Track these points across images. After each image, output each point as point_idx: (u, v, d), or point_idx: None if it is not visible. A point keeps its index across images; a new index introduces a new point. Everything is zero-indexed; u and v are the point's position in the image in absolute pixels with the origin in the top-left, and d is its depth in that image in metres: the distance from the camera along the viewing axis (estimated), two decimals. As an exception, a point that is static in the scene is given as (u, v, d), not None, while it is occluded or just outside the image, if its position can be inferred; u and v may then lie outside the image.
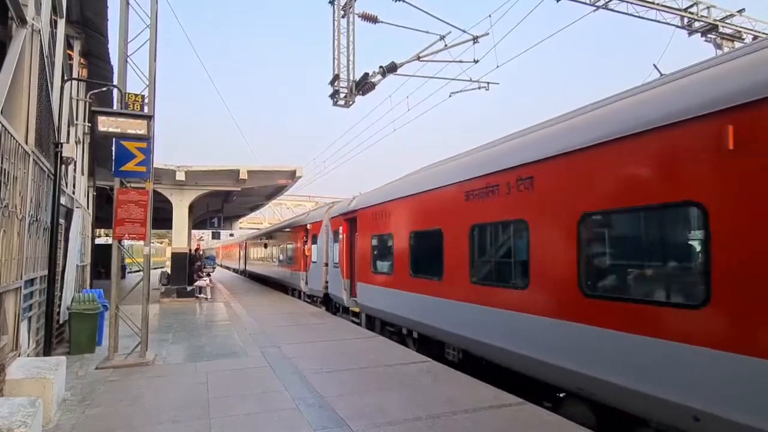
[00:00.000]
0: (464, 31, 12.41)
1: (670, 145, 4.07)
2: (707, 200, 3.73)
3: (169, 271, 18.10)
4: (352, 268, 12.10)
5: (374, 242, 10.59)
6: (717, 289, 3.62)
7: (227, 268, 48.88)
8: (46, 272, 6.83)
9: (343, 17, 12.88)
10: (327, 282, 14.43)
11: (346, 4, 12.83)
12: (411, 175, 9.92)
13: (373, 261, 10.65)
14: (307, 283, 16.81)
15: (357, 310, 11.83)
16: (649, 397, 4.05)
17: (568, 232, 5.03)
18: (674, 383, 3.87)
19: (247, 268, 33.71)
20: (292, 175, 17.78)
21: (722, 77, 3.84)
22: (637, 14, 14.44)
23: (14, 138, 4.60)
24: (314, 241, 15.89)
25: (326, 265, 14.40)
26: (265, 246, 25.98)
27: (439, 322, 7.69)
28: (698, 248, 3.91)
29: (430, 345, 8.18)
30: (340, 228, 12.88)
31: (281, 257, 21.82)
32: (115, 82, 7.94)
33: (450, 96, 14.31)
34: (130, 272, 30.47)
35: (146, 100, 7.66)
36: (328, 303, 14.61)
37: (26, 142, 5.21)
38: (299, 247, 17.85)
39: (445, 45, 12.60)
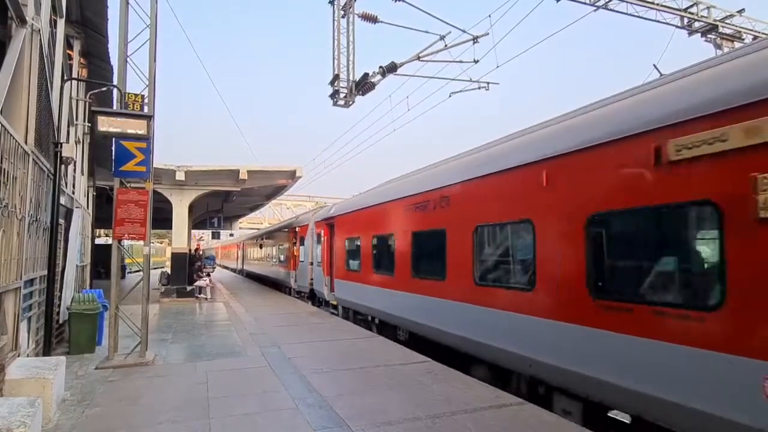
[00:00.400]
0: (464, 31, 12.41)
1: (516, 182, 6.01)
2: (534, 218, 5.56)
3: (169, 271, 18.10)
4: (331, 266, 13.54)
5: (347, 244, 12.29)
6: (539, 278, 5.45)
7: (226, 267, 48.97)
8: (45, 272, 6.82)
9: (343, 17, 12.88)
10: (312, 279, 15.84)
11: (346, 4, 12.83)
12: (375, 188, 11.74)
13: (347, 260, 12.26)
14: (296, 281, 18.30)
15: (335, 303, 13.32)
16: (511, 353, 5.86)
17: (468, 239, 6.86)
18: (521, 342, 5.66)
19: (244, 267, 34.99)
20: (292, 175, 17.78)
21: (542, 140, 5.78)
22: (637, 14, 14.44)
23: (14, 138, 4.60)
24: (302, 243, 17.33)
25: (312, 264, 15.86)
26: (261, 247, 27.38)
27: (392, 310, 9.48)
28: (531, 250, 5.60)
29: (387, 328, 10.00)
30: (322, 231, 14.50)
31: (274, 257, 23.26)
32: (115, 82, 7.94)
33: (450, 96, 14.31)
34: (130, 272, 30.45)
35: (146, 100, 7.66)
36: (314, 298, 16.02)
37: (26, 142, 5.21)
38: (289, 248, 19.38)
39: (445, 45, 12.59)
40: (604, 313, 4.53)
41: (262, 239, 26.99)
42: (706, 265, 3.98)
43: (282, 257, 21.11)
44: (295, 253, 18.29)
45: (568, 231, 5.05)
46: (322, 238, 14.46)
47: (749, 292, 3.41)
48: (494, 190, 6.43)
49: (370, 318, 10.94)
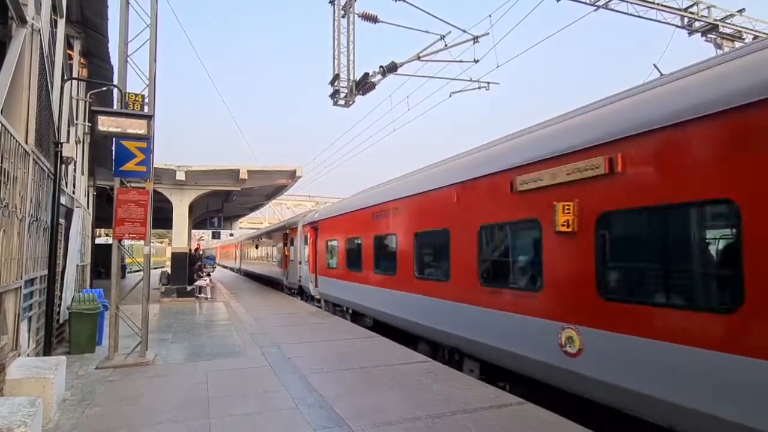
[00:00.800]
0: (464, 31, 12.40)
1: (436, 199, 7.95)
2: (450, 227, 7.44)
3: (169, 270, 18.10)
4: (315, 264, 15.42)
5: (328, 245, 14.21)
6: (452, 272, 7.30)
7: (224, 267, 49.54)
8: (46, 272, 6.82)
9: (343, 17, 12.87)
10: (300, 276, 17.53)
11: (346, 3, 12.82)
12: (349, 197, 14.01)
13: (328, 259, 14.16)
14: (287, 278, 19.98)
15: (319, 297, 15.23)
16: (438, 330, 7.68)
17: (411, 242, 8.69)
18: (443, 321, 7.49)
19: (242, 267, 36.94)
20: (292, 175, 17.78)
21: (454, 170, 7.65)
22: (637, 14, 14.43)
23: (14, 138, 4.60)
24: (292, 243, 19.02)
25: (300, 263, 17.51)
26: (257, 247, 29.25)
27: (361, 300, 11.41)
28: (448, 251, 7.41)
29: (358, 318, 11.86)
30: (308, 233, 16.24)
31: (269, 257, 25.26)
32: (115, 82, 7.94)
33: (450, 96, 14.31)
34: (130, 272, 30.46)
35: (146, 100, 7.66)
36: (302, 293, 17.74)
37: (26, 142, 5.21)
38: (282, 248, 21.06)
39: (445, 45, 12.59)
40: (488, 296, 6.40)
41: (259, 240, 28.74)
42: (536, 262, 5.69)
43: (275, 257, 22.90)
44: (287, 253, 19.92)
45: (469, 237, 6.85)
46: (308, 240, 16.22)
47: (554, 280, 5.32)
48: (427, 204, 8.35)
49: (345, 309, 12.86)
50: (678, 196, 4.06)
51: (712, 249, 4.06)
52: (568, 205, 5.06)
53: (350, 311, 12.43)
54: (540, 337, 5.37)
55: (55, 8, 7.68)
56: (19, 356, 5.07)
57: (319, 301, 15.30)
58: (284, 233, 20.54)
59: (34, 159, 5.55)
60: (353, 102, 13.32)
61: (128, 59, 7.51)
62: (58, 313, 7.94)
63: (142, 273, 7.87)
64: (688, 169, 4.00)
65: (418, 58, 12.83)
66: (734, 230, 3.70)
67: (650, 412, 4.17)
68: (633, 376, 4.27)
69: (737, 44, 15.15)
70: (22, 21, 5.33)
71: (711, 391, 3.66)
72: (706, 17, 14.97)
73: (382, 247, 10.21)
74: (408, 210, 9.03)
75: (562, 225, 5.08)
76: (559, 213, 5.10)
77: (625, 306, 4.43)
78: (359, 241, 11.42)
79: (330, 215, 14.28)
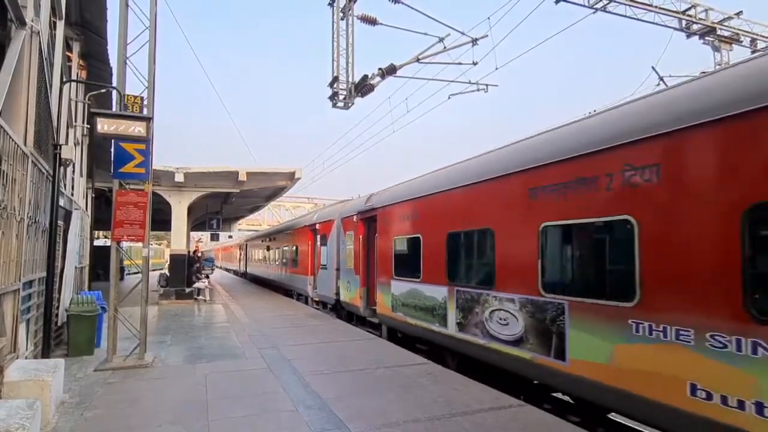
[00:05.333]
0: (463, 33, 12.43)
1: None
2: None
3: (167, 272, 18.06)
4: (246, 259, 34.54)
5: (249, 251, 33.43)
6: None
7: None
8: (44, 274, 6.81)
9: (342, 19, 12.89)
10: (240, 268, 36.85)
11: (345, 6, 12.84)
12: (250, 233, 38.32)
13: (248, 257, 33.77)
14: (239, 269, 37.94)
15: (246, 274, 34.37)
16: (265, 278, 24.61)
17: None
18: (267, 273, 24.80)
19: (221, 264, 55.77)
20: (291, 177, 17.77)
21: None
22: (635, 16, 14.48)
23: (13, 140, 4.60)
24: (241, 250, 37.35)
25: (243, 260, 36.44)
26: (230, 251, 48.02)
27: (258, 273, 28.23)
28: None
29: (260, 282, 27.18)
30: (246, 245, 34.71)
31: (234, 258, 43.40)
32: (114, 84, 7.94)
33: (449, 98, 14.33)
34: (129, 274, 30.41)
35: (145, 102, 7.66)
36: (245, 276, 34.24)
37: (25, 144, 5.21)
38: (239, 252, 39.17)
39: (444, 47, 12.61)
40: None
41: (231, 248, 46.61)
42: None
43: (237, 258, 40.58)
44: (241, 256, 37.42)
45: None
46: (243, 250, 35.73)
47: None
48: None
49: (253, 278, 29.37)
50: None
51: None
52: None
53: (254, 279, 28.92)
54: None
55: (54, 10, 7.68)
56: (17, 358, 5.06)
57: (251, 279, 30.75)
58: (240, 245, 38.38)
59: (32, 161, 5.55)
60: (352, 104, 13.32)
61: (127, 61, 7.51)
62: (57, 315, 7.92)
63: (140, 275, 7.86)
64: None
65: (417, 60, 12.85)
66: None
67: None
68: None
69: (735, 46, 15.23)
70: (22, 23, 5.33)
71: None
72: (704, 20, 15.04)
73: (257, 254, 28.69)
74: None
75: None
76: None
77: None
78: (254, 251, 29.67)
79: (248, 238, 34.16)
